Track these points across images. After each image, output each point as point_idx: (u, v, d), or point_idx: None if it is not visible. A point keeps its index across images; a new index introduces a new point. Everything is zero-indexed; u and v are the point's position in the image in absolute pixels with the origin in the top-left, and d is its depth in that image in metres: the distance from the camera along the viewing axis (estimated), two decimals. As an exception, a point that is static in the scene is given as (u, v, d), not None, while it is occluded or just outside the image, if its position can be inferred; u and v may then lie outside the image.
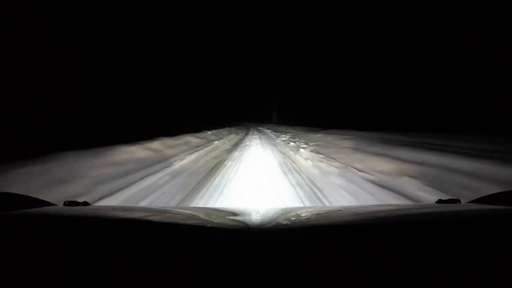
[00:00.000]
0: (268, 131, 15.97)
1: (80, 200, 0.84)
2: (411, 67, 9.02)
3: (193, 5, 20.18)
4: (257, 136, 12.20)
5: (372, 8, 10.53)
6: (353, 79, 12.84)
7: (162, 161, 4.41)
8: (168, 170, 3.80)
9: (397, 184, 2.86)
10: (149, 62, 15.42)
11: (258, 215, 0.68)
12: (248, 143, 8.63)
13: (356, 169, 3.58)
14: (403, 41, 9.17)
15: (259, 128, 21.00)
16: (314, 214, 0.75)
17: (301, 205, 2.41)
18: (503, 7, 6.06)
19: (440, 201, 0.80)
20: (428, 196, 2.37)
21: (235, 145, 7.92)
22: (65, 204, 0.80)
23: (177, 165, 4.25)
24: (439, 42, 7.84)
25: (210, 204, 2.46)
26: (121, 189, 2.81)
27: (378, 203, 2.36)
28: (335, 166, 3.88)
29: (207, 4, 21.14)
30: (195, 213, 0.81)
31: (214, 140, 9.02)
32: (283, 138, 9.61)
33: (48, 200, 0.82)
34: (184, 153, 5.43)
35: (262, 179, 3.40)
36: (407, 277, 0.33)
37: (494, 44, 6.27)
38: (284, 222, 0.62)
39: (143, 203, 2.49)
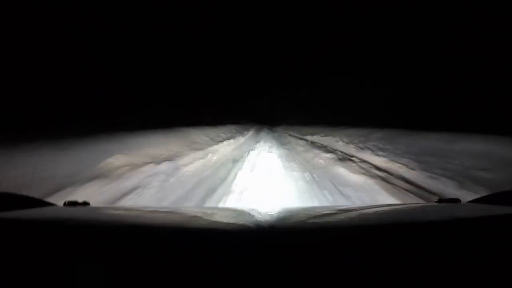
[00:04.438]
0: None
1: (80, 200, 0.84)
2: (411, 67, 9.03)
3: (193, 5, 20.20)
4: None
5: (372, 8, 10.54)
6: (353, 79, 12.85)
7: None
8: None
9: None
10: (148, 62, 15.42)
11: (258, 215, 0.68)
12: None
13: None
14: (403, 41, 9.17)
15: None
16: (314, 214, 0.75)
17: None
18: (503, 7, 6.06)
19: (440, 201, 0.80)
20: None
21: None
22: (65, 204, 0.80)
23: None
24: (439, 42, 7.84)
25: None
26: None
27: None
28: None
29: (207, 4, 21.16)
30: (195, 213, 0.81)
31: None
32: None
33: (48, 201, 0.82)
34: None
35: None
36: (407, 277, 0.33)
37: (494, 44, 6.27)
38: (284, 222, 0.62)
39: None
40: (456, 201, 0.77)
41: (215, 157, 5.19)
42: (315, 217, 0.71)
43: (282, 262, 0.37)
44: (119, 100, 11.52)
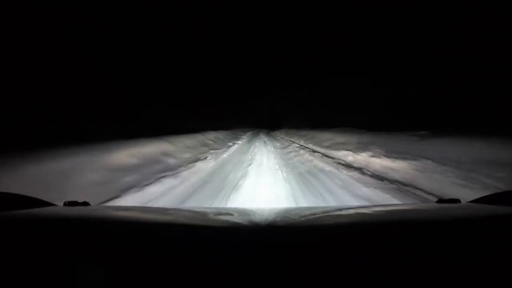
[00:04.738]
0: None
1: (80, 200, 0.84)
2: (411, 67, 9.03)
3: (193, 5, 20.19)
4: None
5: (372, 8, 10.54)
6: (353, 79, 12.85)
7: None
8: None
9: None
10: (149, 62, 15.41)
11: (258, 215, 0.68)
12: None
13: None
14: (403, 41, 9.17)
15: None
16: (314, 214, 0.74)
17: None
18: (503, 7, 6.07)
19: (440, 201, 0.80)
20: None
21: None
22: (65, 204, 0.80)
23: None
24: (439, 42, 7.85)
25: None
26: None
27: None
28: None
29: (207, 4, 21.14)
30: (195, 213, 0.81)
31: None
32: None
33: (48, 200, 0.82)
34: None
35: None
36: (407, 277, 0.33)
37: (494, 44, 6.27)
38: (284, 222, 0.62)
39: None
40: (456, 201, 0.77)
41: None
42: (314, 216, 0.71)
43: (282, 262, 0.37)
44: (119, 100, 11.52)
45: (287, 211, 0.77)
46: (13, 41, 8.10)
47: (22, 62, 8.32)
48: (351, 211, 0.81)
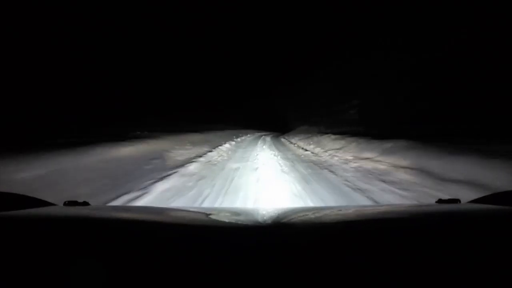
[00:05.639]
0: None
1: (80, 200, 0.84)
2: (411, 67, 9.03)
3: (193, 5, 20.20)
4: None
5: (372, 8, 10.56)
6: (352, 79, 12.86)
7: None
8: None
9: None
10: (148, 62, 15.42)
11: (258, 215, 0.68)
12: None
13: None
14: (402, 41, 9.18)
15: None
16: (314, 214, 0.75)
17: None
18: (503, 7, 6.07)
19: (440, 201, 0.80)
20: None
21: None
22: (65, 204, 0.80)
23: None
24: (439, 42, 7.86)
25: None
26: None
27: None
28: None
29: (207, 4, 21.16)
30: (195, 213, 0.81)
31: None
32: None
33: (48, 200, 0.82)
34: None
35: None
36: (407, 277, 0.33)
37: (494, 44, 6.27)
38: (285, 222, 0.62)
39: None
40: (456, 201, 0.77)
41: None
42: (314, 216, 0.71)
43: (282, 262, 0.37)
44: (118, 101, 11.53)
45: (287, 211, 0.77)
46: (13, 41, 8.11)
47: (22, 62, 8.33)
48: (351, 211, 0.81)
